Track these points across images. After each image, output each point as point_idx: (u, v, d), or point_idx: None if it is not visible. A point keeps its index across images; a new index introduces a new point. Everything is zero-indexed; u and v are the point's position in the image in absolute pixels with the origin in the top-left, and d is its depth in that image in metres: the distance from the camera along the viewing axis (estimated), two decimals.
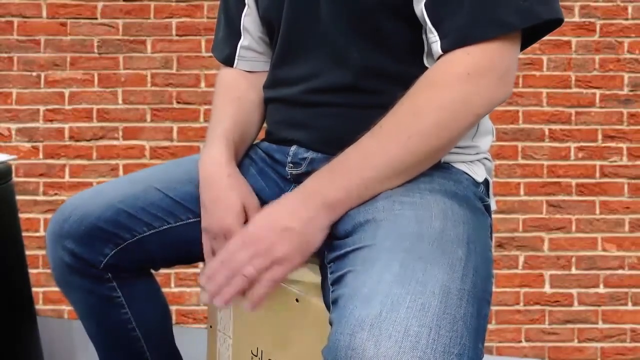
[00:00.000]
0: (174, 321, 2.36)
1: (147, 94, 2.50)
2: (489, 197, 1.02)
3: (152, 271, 1.17)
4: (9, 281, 1.63)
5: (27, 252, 1.79)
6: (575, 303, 2.49)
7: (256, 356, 1.03)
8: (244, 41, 1.15)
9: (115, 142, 2.50)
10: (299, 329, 0.94)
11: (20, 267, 1.71)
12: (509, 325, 2.49)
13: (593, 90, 2.50)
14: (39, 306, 2.42)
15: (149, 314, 1.15)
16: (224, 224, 0.97)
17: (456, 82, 0.85)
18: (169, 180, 1.10)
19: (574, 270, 2.49)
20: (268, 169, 1.10)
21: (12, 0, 2.47)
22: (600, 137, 2.50)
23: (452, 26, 0.86)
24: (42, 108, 2.49)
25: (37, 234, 2.46)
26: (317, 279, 0.95)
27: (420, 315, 0.70)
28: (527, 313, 2.49)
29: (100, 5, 2.49)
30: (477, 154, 1.01)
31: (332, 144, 0.94)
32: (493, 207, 1.04)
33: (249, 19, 1.14)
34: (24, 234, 1.76)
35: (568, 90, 2.50)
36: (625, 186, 2.49)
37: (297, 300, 0.94)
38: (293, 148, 1.04)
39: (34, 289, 1.80)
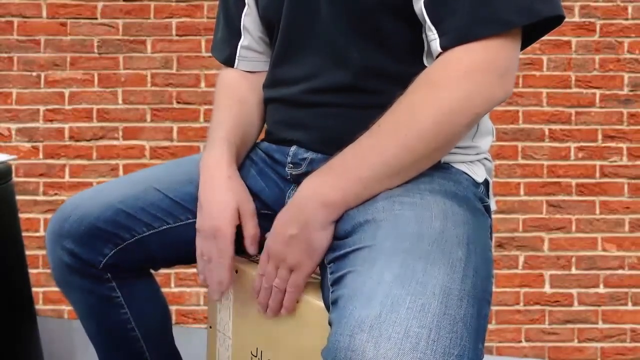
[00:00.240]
0: (174, 321, 2.37)
1: (147, 94, 2.50)
2: (489, 197, 1.02)
3: (152, 271, 1.17)
4: (9, 281, 1.63)
5: (27, 252, 1.79)
6: (575, 303, 2.49)
7: (256, 356, 1.03)
8: (244, 41, 1.14)
9: (115, 142, 2.50)
10: (299, 329, 0.94)
11: (20, 267, 1.71)
12: (509, 325, 2.49)
13: (593, 90, 2.50)
14: (39, 306, 2.42)
15: (148, 314, 1.15)
16: (215, 224, 0.97)
17: (455, 80, 0.84)
18: (169, 180, 1.10)
19: (574, 270, 2.49)
20: (268, 170, 1.10)
21: (12, 0, 2.47)
22: (600, 137, 2.50)
23: (451, 24, 0.85)
24: (42, 108, 2.49)
25: (37, 234, 2.46)
26: (317, 279, 0.95)
27: (420, 316, 0.70)
28: (527, 313, 2.49)
29: (100, 5, 2.48)
30: (477, 154, 1.01)
31: (332, 144, 0.94)
32: (493, 207, 1.03)
33: (249, 19, 1.14)
34: (24, 234, 1.76)
35: (568, 90, 2.50)
36: (625, 186, 2.49)
37: (297, 300, 0.94)
38: (293, 148, 1.04)
39: (34, 289, 1.80)
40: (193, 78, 2.50)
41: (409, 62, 0.94)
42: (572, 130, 2.50)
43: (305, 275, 0.90)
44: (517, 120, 2.50)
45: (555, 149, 2.50)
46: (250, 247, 0.99)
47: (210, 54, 1.34)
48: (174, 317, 2.44)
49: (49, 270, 2.28)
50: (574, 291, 2.49)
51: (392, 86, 0.92)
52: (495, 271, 1.30)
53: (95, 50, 2.49)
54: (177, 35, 2.50)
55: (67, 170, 2.49)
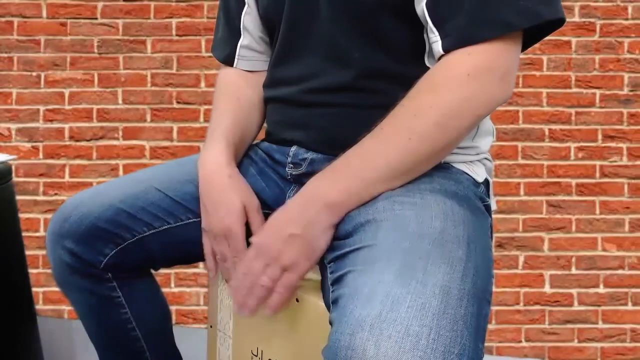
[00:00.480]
0: (174, 321, 2.36)
1: (147, 94, 2.50)
2: (489, 197, 1.02)
3: (152, 271, 1.17)
4: (9, 281, 1.63)
5: (27, 252, 1.79)
6: (575, 303, 2.49)
7: (256, 356, 1.03)
8: (244, 40, 1.14)
9: (115, 142, 2.50)
10: (299, 329, 0.94)
11: (20, 267, 1.71)
12: (509, 325, 2.49)
13: (593, 90, 2.50)
14: (39, 306, 2.42)
15: (148, 314, 1.15)
16: (225, 225, 0.98)
17: (457, 82, 0.85)
18: (169, 180, 1.10)
19: (574, 270, 2.49)
20: (268, 170, 1.10)
21: (12, 0, 2.47)
22: (600, 137, 2.50)
23: (453, 26, 0.86)
24: (42, 108, 2.49)
25: (37, 234, 2.46)
26: (317, 279, 0.95)
27: (421, 315, 0.70)
28: (527, 313, 2.49)
29: (100, 5, 2.49)
30: (477, 154, 1.01)
31: (332, 144, 0.94)
32: (493, 207, 1.04)
33: (249, 18, 1.14)
34: (24, 234, 1.76)
35: (568, 90, 2.50)
36: (625, 186, 2.49)
37: (297, 300, 0.94)
38: (293, 148, 1.04)
39: (34, 289, 1.80)
40: (193, 78, 2.50)
41: (409, 62, 0.95)
42: (572, 130, 2.50)
43: (299, 276, 0.89)
44: (517, 120, 2.50)
45: (555, 149, 2.50)
46: None
47: (210, 54, 1.34)
48: (174, 317, 2.44)
49: (49, 270, 2.29)
50: (574, 291, 2.49)
51: (392, 86, 0.92)
52: (495, 271, 1.30)
53: (95, 50, 2.49)
54: (177, 35, 2.50)
55: (67, 170, 2.49)
